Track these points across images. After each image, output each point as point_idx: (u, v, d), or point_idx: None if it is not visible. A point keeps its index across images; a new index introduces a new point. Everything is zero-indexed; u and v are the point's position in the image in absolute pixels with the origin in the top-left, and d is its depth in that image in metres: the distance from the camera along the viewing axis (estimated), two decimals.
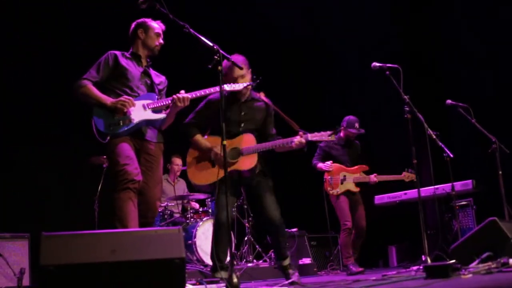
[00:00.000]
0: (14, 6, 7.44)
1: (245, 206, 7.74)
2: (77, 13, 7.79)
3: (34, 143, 7.38)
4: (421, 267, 4.89)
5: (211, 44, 4.15)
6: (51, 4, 7.63)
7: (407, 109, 5.33)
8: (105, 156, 6.45)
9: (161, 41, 4.70)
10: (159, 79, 4.77)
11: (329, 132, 4.84)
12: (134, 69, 4.57)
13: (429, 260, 5.18)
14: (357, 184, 7.13)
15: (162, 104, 4.50)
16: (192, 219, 7.46)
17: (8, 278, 5.80)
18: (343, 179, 7.09)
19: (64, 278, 3.17)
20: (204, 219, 7.27)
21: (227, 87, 4.58)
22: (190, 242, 7.01)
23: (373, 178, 7.14)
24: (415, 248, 7.63)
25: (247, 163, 4.90)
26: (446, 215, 7.90)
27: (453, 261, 4.35)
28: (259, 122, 5.09)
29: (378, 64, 5.50)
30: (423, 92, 9.04)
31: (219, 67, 4.06)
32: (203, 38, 4.20)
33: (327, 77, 10.12)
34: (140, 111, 4.40)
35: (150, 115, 4.44)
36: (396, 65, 5.37)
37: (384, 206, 8.21)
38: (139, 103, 4.42)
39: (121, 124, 4.32)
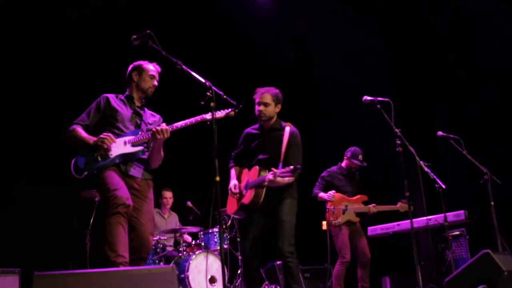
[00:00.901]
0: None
1: (238, 239, 7.69)
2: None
3: (25, 179, 7.38)
4: None
5: (203, 80, 4.19)
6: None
7: (399, 142, 5.37)
8: (95, 190, 6.50)
9: (155, 83, 4.81)
10: (153, 118, 4.86)
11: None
12: (125, 111, 4.69)
13: None
14: (357, 214, 7.16)
15: (142, 138, 4.57)
16: (185, 253, 7.42)
17: None
18: (344, 209, 7.13)
19: None
20: (197, 252, 7.22)
21: (209, 116, 4.52)
22: (183, 276, 6.95)
23: (372, 208, 7.20)
24: (409, 279, 7.59)
25: (247, 197, 5.08)
26: (439, 245, 7.88)
27: None
28: (276, 152, 5.13)
29: (369, 98, 5.53)
30: (414, 123, 9.11)
31: (212, 104, 4.11)
32: (195, 75, 4.25)
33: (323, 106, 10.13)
34: (119, 147, 4.51)
35: (127, 149, 4.52)
36: (387, 99, 5.41)
37: (377, 238, 8.20)
38: (120, 140, 4.54)
39: (99, 159, 4.44)
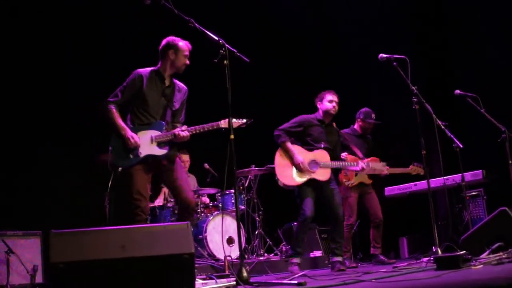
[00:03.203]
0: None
1: (255, 200, 7.71)
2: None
3: (44, 142, 7.42)
4: (431, 259, 4.88)
5: (216, 38, 4.18)
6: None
7: (415, 100, 5.29)
8: None
9: (188, 62, 4.99)
10: (179, 95, 5.11)
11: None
12: (155, 94, 4.97)
13: (439, 251, 5.15)
14: (369, 176, 7.09)
15: (165, 137, 4.89)
16: (202, 214, 7.46)
17: (22, 276, 5.81)
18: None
19: (74, 275, 3.18)
20: (215, 213, 7.27)
21: (223, 123, 4.84)
22: (200, 237, 7.01)
23: (384, 170, 7.08)
24: (426, 239, 7.58)
25: (324, 175, 6.02)
26: (456, 206, 7.82)
27: (464, 252, 4.32)
28: (334, 144, 6.24)
29: (385, 56, 5.45)
30: (433, 83, 8.98)
31: (225, 61, 4.10)
32: (208, 33, 4.22)
33: (342, 70, 10.05)
34: (147, 145, 4.87)
35: (155, 151, 4.88)
36: (403, 56, 5.32)
37: (394, 198, 8.17)
38: (147, 135, 4.88)
39: (131, 157, 4.83)
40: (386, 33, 9.29)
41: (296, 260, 5.99)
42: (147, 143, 4.86)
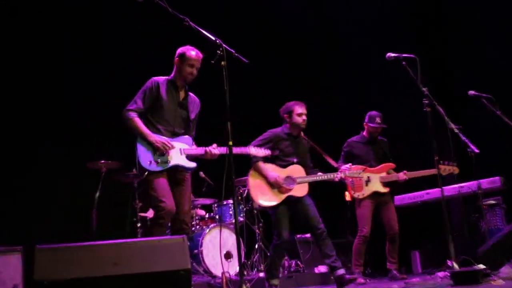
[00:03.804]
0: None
1: (255, 211, 7.70)
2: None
3: (26, 151, 7.43)
4: (447, 274, 4.87)
5: (213, 38, 4.19)
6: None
7: (426, 101, 5.28)
8: (103, 161, 6.92)
9: (195, 72, 5.26)
10: (192, 106, 5.42)
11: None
12: (172, 103, 5.26)
13: (455, 265, 5.14)
14: (385, 184, 7.07)
15: (196, 153, 5.18)
16: (198, 227, 7.44)
17: None
18: (367, 180, 7.01)
19: None
20: (211, 226, 7.23)
21: (253, 149, 5.58)
22: (196, 251, 6.97)
23: (402, 175, 6.99)
24: (440, 252, 7.55)
25: (301, 190, 6.11)
26: (472, 215, 7.80)
27: (483, 266, 4.32)
28: (304, 156, 6.32)
29: (393, 54, 5.46)
30: (444, 83, 9.02)
31: (223, 62, 4.12)
32: (204, 32, 4.24)
33: (342, 71, 10.14)
34: (177, 155, 5.14)
35: (184, 162, 5.17)
36: (412, 55, 5.33)
37: (405, 208, 8.14)
38: (177, 146, 5.16)
39: (159, 162, 5.05)
40: (386, 33, 9.46)
41: (275, 282, 6.12)
42: (176, 153, 5.11)
